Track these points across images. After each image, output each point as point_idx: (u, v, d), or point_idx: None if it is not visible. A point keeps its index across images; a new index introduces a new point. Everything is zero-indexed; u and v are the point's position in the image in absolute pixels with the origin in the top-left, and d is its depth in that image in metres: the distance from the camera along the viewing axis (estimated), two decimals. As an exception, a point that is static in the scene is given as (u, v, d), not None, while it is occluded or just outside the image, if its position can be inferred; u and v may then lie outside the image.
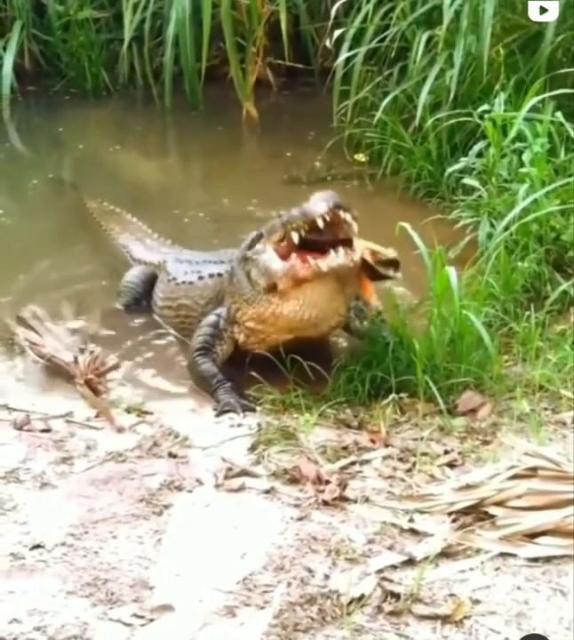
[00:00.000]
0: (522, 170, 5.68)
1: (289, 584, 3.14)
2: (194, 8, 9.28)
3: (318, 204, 4.42)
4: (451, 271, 4.60)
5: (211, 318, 4.93)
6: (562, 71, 6.40)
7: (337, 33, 7.90)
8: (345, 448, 4.07)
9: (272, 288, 4.60)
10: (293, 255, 4.49)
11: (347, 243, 4.43)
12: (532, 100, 5.87)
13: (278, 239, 4.58)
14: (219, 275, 5.11)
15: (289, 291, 4.55)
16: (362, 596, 3.06)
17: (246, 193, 7.56)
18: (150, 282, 5.74)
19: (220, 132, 9.31)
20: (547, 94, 5.94)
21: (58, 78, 10.54)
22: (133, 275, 5.87)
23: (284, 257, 4.54)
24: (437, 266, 4.64)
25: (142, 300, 5.75)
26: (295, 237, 4.48)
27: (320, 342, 5.00)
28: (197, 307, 5.18)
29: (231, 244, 5.37)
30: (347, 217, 4.43)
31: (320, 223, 4.40)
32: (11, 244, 6.66)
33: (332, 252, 4.38)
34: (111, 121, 10.18)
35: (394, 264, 4.68)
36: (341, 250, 4.38)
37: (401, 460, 3.97)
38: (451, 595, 3.08)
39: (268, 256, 4.61)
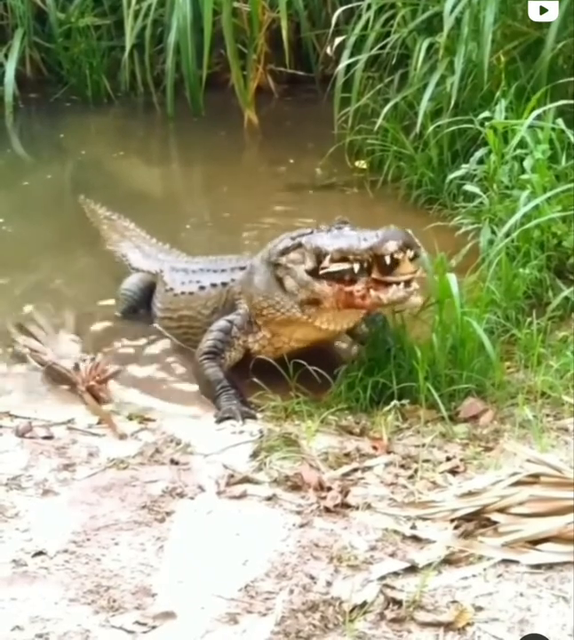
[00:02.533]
0: (524, 176, 5.68)
1: (291, 591, 3.14)
2: (195, 15, 9.31)
3: (389, 242, 4.34)
4: (452, 278, 4.61)
5: (223, 324, 4.91)
6: (564, 81, 6.40)
7: (338, 40, 7.91)
8: (347, 455, 4.06)
9: (312, 303, 4.61)
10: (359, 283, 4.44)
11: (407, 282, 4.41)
12: (535, 112, 5.85)
13: (329, 261, 4.51)
14: (224, 284, 5.10)
15: (329, 307, 4.59)
16: (364, 603, 3.05)
17: (247, 199, 7.57)
18: (149, 289, 5.73)
19: (221, 138, 9.33)
20: (549, 106, 5.93)
21: (59, 85, 10.59)
22: (131, 282, 5.86)
23: (329, 277, 4.51)
24: (439, 273, 4.65)
25: (140, 307, 5.74)
26: (356, 268, 4.41)
27: (323, 348, 5.02)
28: (201, 317, 5.16)
29: (232, 251, 5.37)
30: (411, 256, 4.38)
31: (388, 261, 4.35)
32: (12, 251, 6.66)
33: (394, 286, 4.37)
34: (112, 128, 10.20)
35: None
36: (402, 285, 4.37)
37: (403, 466, 3.96)
38: (454, 602, 3.07)
39: (309, 270, 4.60)
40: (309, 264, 4.59)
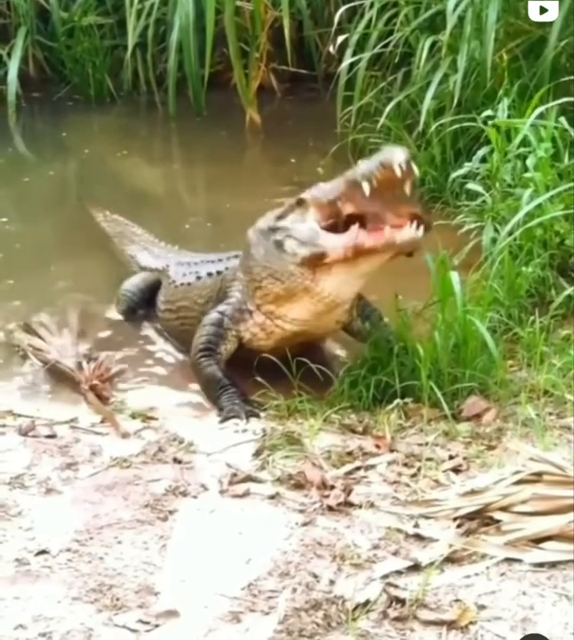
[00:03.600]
0: (526, 175, 5.68)
1: (294, 589, 3.14)
2: (197, 14, 9.31)
3: (395, 153, 4.21)
4: (455, 276, 4.60)
5: (215, 316, 4.84)
6: (566, 79, 6.39)
7: (340, 39, 7.92)
8: (349, 453, 4.06)
9: (316, 259, 4.41)
10: (354, 226, 4.29)
11: (413, 217, 4.28)
12: (537, 110, 5.85)
13: (337, 197, 4.36)
14: (218, 273, 5.08)
15: (333, 267, 4.41)
16: (367, 602, 3.05)
17: (250, 198, 7.56)
18: (150, 289, 5.73)
19: (224, 137, 9.33)
20: (552, 104, 5.92)
21: (62, 84, 10.59)
22: (132, 283, 5.86)
23: (333, 230, 4.38)
24: (441, 271, 4.64)
25: (139, 308, 5.75)
26: (366, 188, 4.21)
27: (325, 345, 5.02)
28: (197, 307, 5.14)
29: (235, 249, 5.37)
30: (416, 171, 4.26)
31: (397, 172, 4.14)
32: (15, 249, 6.66)
33: (407, 224, 4.24)
34: (115, 127, 10.20)
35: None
36: (416, 223, 4.24)
37: (406, 465, 3.96)
38: (457, 600, 3.07)
39: (311, 226, 4.44)
40: (311, 221, 4.44)
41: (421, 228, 4.28)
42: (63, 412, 4.52)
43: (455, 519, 3.47)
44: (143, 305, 5.74)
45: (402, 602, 3.05)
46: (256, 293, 4.72)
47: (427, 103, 6.98)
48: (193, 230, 7.05)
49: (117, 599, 3.12)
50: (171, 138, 9.91)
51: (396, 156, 4.19)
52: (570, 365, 4.56)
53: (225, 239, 6.48)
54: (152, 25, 9.85)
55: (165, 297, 5.49)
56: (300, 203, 4.56)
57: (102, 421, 4.44)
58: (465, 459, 3.97)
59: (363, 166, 4.29)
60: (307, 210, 4.51)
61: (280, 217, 4.64)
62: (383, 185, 4.22)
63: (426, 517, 3.53)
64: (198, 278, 5.23)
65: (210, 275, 5.14)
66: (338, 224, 4.41)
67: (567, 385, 4.46)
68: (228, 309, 4.83)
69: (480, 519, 3.44)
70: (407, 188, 4.26)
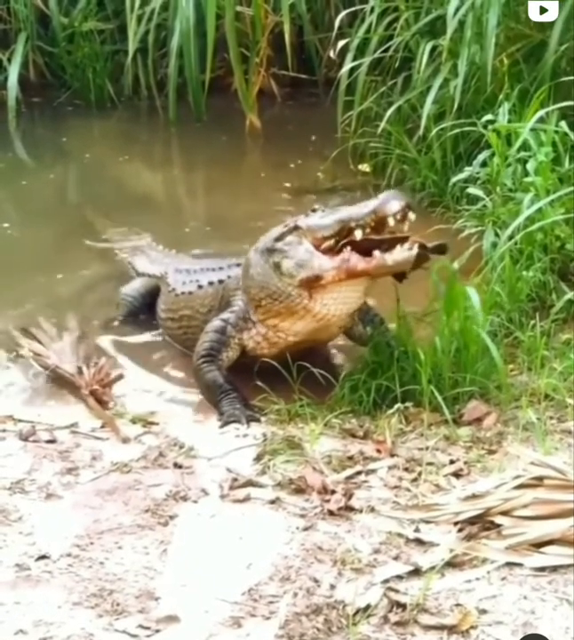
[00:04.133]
0: (527, 179, 5.67)
1: (295, 594, 3.14)
2: (198, 19, 9.32)
3: (391, 202, 4.36)
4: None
5: (217, 323, 4.87)
6: (566, 79, 6.40)
7: (341, 43, 7.93)
8: (350, 458, 4.06)
9: (312, 281, 4.52)
10: (347, 249, 4.42)
11: (403, 240, 4.41)
12: (538, 113, 5.85)
13: (330, 235, 4.50)
14: (220, 281, 5.09)
15: (328, 286, 4.52)
16: (368, 607, 3.05)
17: (250, 203, 7.58)
18: (150, 294, 5.73)
19: (224, 142, 9.34)
20: (553, 107, 5.92)
21: (62, 90, 10.60)
22: (132, 287, 5.87)
23: (327, 253, 4.49)
24: (444, 278, 4.63)
25: (140, 312, 5.75)
26: (358, 234, 4.40)
27: (326, 350, 5.02)
28: (199, 316, 5.15)
29: (235, 254, 5.37)
30: (413, 217, 4.39)
31: (391, 222, 4.35)
32: (16, 254, 6.67)
33: (399, 246, 4.37)
34: (115, 132, 10.21)
35: (441, 249, 4.68)
36: (406, 245, 4.37)
37: (406, 469, 3.96)
38: (458, 605, 3.07)
39: (307, 248, 4.55)
40: (307, 244, 4.55)
41: (414, 248, 4.40)
42: (63, 416, 4.52)
43: (456, 523, 3.47)
44: (143, 309, 5.74)
45: (402, 606, 3.05)
46: (257, 311, 4.78)
47: (428, 107, 6.98)
48: (193, 234, 7.05)
49: (118, 604, 3.12)
50: (172, 143, 9.92)
51: (391, 206, 4.35)
52: (571, 369, 4.56)
53: (225, 243, 6.49)
54: (152, 30, 9.85)
55: (166, 305, 5.49)
56: (297, 228, 4.64)
57: (102, 426, 4.44)
58: (465, 463, 3.97)
59: (358, 212, 4.44)
60: (302, 236, 4.61)
61: (278, 239, 4.70)
62: (376, 230, 4.41)
63: (427, 522, 3.53)
64: (200, 287, 5.22)
65: (211, 284, 5.15)
66: (333, 247, 4.53)
67: (568, 389, 4.45)
68: (232, 317, 4.86)
69: (481, 523, 3.44)
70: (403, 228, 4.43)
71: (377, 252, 4.39)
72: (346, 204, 4.69)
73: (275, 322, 4.74)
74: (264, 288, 4.69)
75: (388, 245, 4.41)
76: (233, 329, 4.83)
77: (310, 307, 4.61)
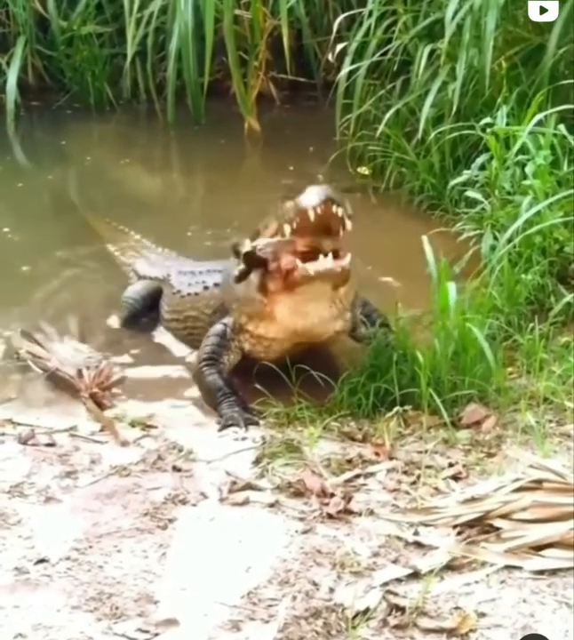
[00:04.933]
0: (525, 182, 5.68)
1: (294, 597, 3.14)
2: (196, 23, 9.31)
3: (311, 196, 4.39)
4: (451, 287, 4.60)
5: (219, 327, 4.91)
6: (565, 82, 6.41)
7: (339, 47, 7.91)
8: (349, 461, 4.06)
9: (263, 288, 4.62)
10: (285, 256, 4.46)
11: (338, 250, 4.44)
12: (536, 117, 5.86)
13: (272, 233, 4.55)
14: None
15: (281, 294, 4.57)
16: (367, 610, 3.05)
17: (249, 206, 7.55)
18: (151, 297, 5.73)
19: (223, 145, 9.32)
20: (551, 111, 5.93)
21: (61, 93, 10.57)
22: (133, 290, 5.86)
23: (276, 259, 4.51)
24: (441, 280, 4.64)
25: (142, 315, 5.74)
26: (287, 230, 4.45)
27: (325, 353, 5.01)
28: (204, 317, 5.18)
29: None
30: (339, 212, 4.40)
31: (311, 216, 4.36)
32: (15, 258, 6.66)
33: (322, 257, 4.39)
34: (114, 135, 10.21)
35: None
36: (331, 255, 4.38)
37: (405, 472, 3.96)
38: (457, 608, 3.07)
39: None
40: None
41: (346, 258, 4.42)
42: (63, 420, 4.52)
43: (455, 527, 3.48)
44: (145, 312, 5.74)
45: (402, 609, 3.05)
46: (241, 319, 4.85)
47: (426, 111, 6.99)
48: (194, 238, 7.05)
49: (117, 608, 3.11)
50: (171, 146, 9.92)
51: (310, 199, 4.37)
52: (570, 372, 4.56)
53: (224, 246, 6.48)
54: (151, 33, 9.84)
55: (171, 307, 5.50)
56: (257, 233, 4.69)
57: (102, 430, 4.44)
58: (464, 466, 3.97)
59: (284, 207, 4.49)
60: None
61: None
62: (303, 228, 4.42)
63: (426, 525, 3.53)
64: (206, 288, 5.25)
65: (217, 285, 5.18)
66: None
67: (566, 392, 4.46)
68: (230, 321, 4.90)
69: (480, 527, 3.44)
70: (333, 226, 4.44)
71: (299, 263, 4.41)
72: None
73: (254, 328, 4.80)
74: (241, 296, 4.80)
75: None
76: (232, 332, 4.87)
77: (272, 315, 4.68)
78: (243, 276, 4.64)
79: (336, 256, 4.41)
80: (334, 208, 4.37)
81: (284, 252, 4.46)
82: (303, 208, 4.38)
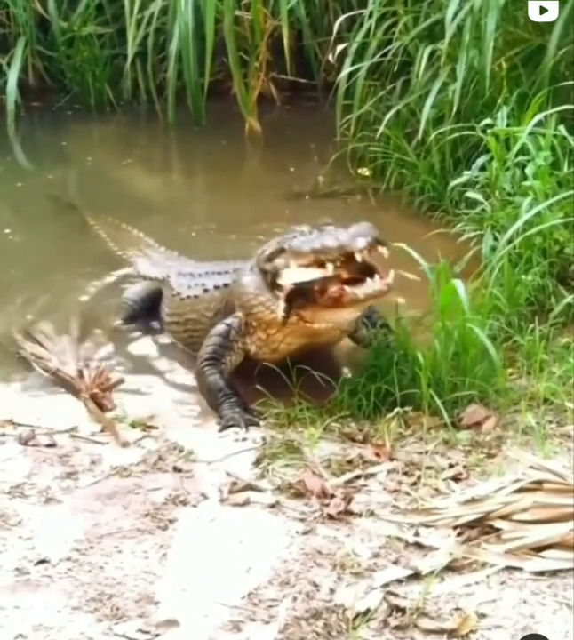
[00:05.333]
0: (526, 183, 5.68)
1: (294, 598, 3.14)
2: (197, 23, 9.30)
3: (358, 239, 4.38)
4: (459, 284, 4.60)
5: (222, 328, 4.90)
6: (565, 83, 6.41)
7: (339, 47, 7.92)
8: (349, 462, 4.06)
9: (293, 310, 4.63)
10: (331, 286, 4.48)
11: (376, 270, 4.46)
12: (536, 117, 5.86)
13: (307, 264, 4.55)
14: (226, 285, 5.11)
15: (315, 310, 4.60)
16: (367, 611, 3.05)
17: (249, 207, 7.58)
18: (151, 298, 5.73)
19: (223, 146, 9.32)
20: (551, 111, 5.93)
21: (62, 94, 10.57)
22: (133, 291, 5.87)
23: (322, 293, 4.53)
24: (442, 279, 4.64)
25: (141, 316, 5.74)
26: (330, 269, 4.45)
27: (325, 353, 5.02)
28: (205, 319, 5.17)
29: (234, 258, 5.37)
30: (384, 251, 4.42)
31: (358, 258, 4.38)
32: (16, 258, 6.66)
33: (369, 279, 4.41)
34: (115, 136, 10.21)
35: None
36: (377, 277, 4.40)
37: (406, 473, 3.96)
38: (457, 609, 3.07)
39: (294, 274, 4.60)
40: (292, 266, 4.60)
41: (390, 275, 4.43)
42: (63, 420, 4.51)
43: (455, 528, 3.48)
44: (145, 313, 5.74)
45: (402, 610, 3.05)
46: (253, 322, 4.85)
47: (427, 112, 6.99)
48: (193, 238, 7.04)
49: (117, 608, 3.11)
50: (171, 146, 9.92)
51: (358, 243, 4.36)
52: (570, 373, 4.57)
53: (224, 247, 6.49)
54: (152, 34, 9.84)
55: (171, 309, 5.50)
56: (282, 251, 4.68)
57: (102, 430, 4.44)
58: (465, 467, 3.97)
59: (327, 246, 4.45)
60: (288, 259, 4.64)
61: (268, 259, 4.74)
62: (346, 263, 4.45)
63: (427, 526, 3.53)
64: (206, 291, 5.24)
65: (217, 288, 5.17)
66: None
67: (567, 393, 4.46)
68: (235, 322, 4.89)
69: (480, 527, 3.44)
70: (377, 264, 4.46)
71: (347, 289, 4.44)
72: (334, 223, 4.68)
73: (273, 331, 4.79)
74: (260, 302, 4.78)
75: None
76: (236, 334, 4.87)
77: (302, 323, 4.68)
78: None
79: (378, 274, 4.43)
80: (379, 248, 4.40)
81: (329, 284, 4.49)
82: (350, 251, 4.39)
